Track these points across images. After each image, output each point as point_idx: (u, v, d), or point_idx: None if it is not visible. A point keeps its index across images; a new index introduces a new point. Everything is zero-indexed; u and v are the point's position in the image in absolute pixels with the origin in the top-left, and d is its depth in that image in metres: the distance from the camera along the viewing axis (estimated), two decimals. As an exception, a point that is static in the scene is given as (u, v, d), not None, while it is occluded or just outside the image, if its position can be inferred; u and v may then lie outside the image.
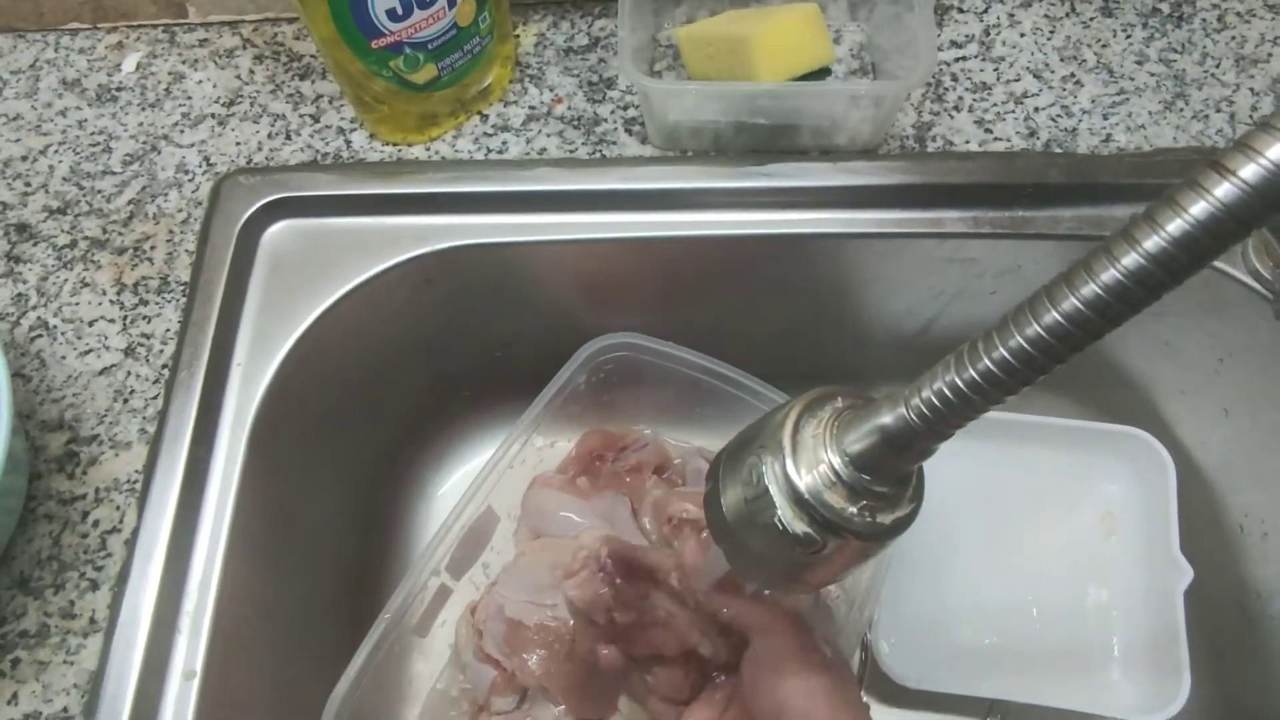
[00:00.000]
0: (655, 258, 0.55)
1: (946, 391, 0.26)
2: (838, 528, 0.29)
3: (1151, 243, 0.21)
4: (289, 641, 0.52)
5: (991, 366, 0.24)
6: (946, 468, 0.63)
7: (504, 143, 0.56)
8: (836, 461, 0.29)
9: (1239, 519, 0.56)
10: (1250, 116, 0.54)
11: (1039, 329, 0.23)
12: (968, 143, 0.54)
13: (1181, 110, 0.55)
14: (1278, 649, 0.54)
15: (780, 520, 0.29)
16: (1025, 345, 0.24)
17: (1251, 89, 0.56)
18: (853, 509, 0.29)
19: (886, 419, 0.28)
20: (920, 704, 0.59)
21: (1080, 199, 0.52)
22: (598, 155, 0.55)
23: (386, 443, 0.63)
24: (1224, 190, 0.20)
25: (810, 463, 0.29)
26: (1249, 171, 0.20)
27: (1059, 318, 0.23)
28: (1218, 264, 0.51)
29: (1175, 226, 0.21)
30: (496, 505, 0.57)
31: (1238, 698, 0.56)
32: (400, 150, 0.56)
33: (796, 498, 0.29)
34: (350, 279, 0.52)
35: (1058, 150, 0.54)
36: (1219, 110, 0.55)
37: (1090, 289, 0.22)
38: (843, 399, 0.31)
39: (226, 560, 0.46)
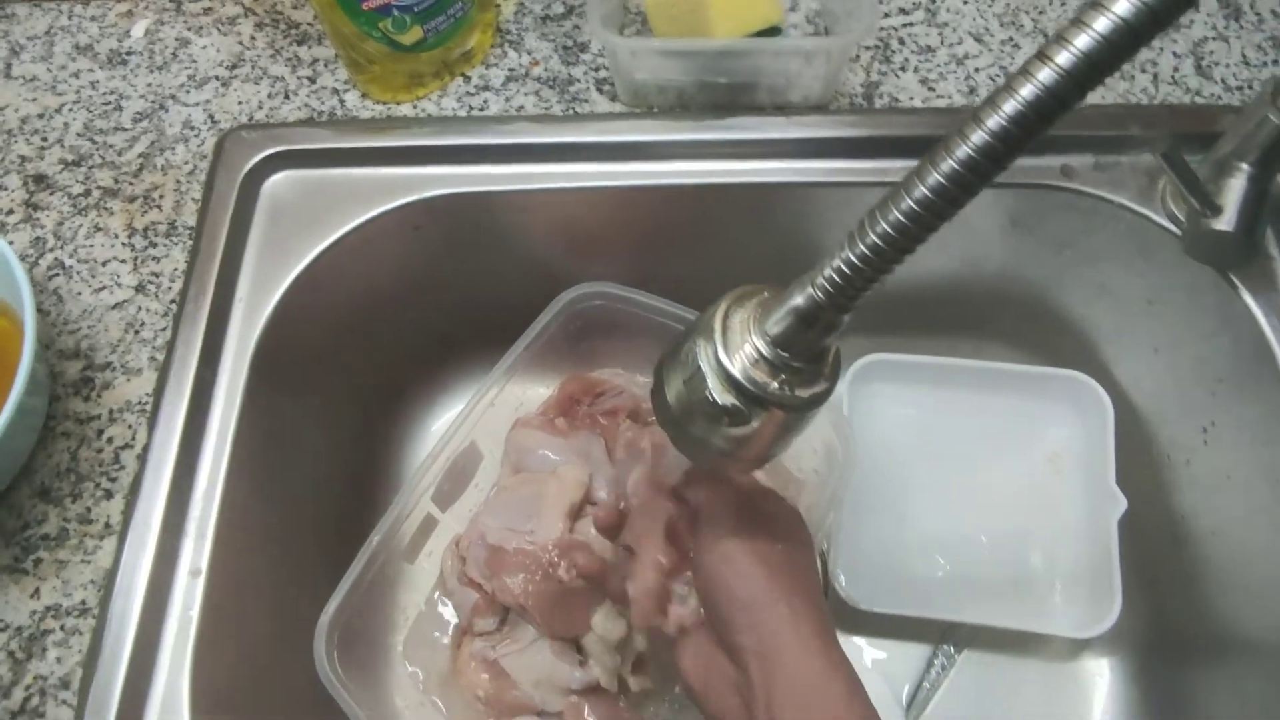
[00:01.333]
0: (626, 207, 0.60)
1: (842, 266, 0.30)
2: (761, 400, 0.33)
3: (994, 121, 0.25)
4: (286, 553, 0.56)
5: (877, 239, 0.29)
6: (903, 410, 0.69)
7: (485, 101, 0.60)
8: (759, 342, 0.33)
9: (1167, 450, 0.61)
10: (1172, 77, 0.59)
11: (910, 202, 0.28)
12: (912, 99, 0.59)
13: (1112, 71, 0.59)
14: (1202, 569, 0.58)
15: (711, 394, 0.34)
16: (901, 217, 0.28)
17: (1174, 52, 0.60)
18: (774, 383, 0.33)
19: (798, 300, 0.32)
20: (880, 631, 0.64)
21: (1015, 149, 0.56)
22: (571, 112, 0.59)
23: (381, 381, 0.68)
24: (1046, 74, 0.24)
25: (736, 344, 0.34)
26: (1064, 58, 0.24)
27: (925, 191, 0.27)
28: (1141, 209, 0.56)
29: (1010, 106, 0.25)
30: (481, 444, 0.62)
31: (1170, 615, 0.60)
32: (390, 108, 0.60)
33: (725, 374, 0.33)
34: (345, 224, 0.57)
35: (995, 106, 0.58)
36: (1144, 71, 0.59)
37: (947, 164, 0.26)
38: (767, 293, 0.35)
39: (229, 474, 0.51)
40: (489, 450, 0.63)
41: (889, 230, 0.28)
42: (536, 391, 0.66)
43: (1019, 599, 0.63)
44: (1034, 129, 0.25)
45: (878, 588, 0.62)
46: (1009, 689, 0.63)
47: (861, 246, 0.29)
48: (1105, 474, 0.62)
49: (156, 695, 0.46)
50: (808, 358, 0.33)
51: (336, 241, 0.57)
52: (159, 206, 0.57)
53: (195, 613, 0.47)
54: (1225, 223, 0.47)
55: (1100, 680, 0.62)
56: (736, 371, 0.33)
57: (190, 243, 0.56)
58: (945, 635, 0.64)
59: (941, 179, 0.27)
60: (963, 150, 0.26)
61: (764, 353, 0.33)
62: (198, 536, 0.49)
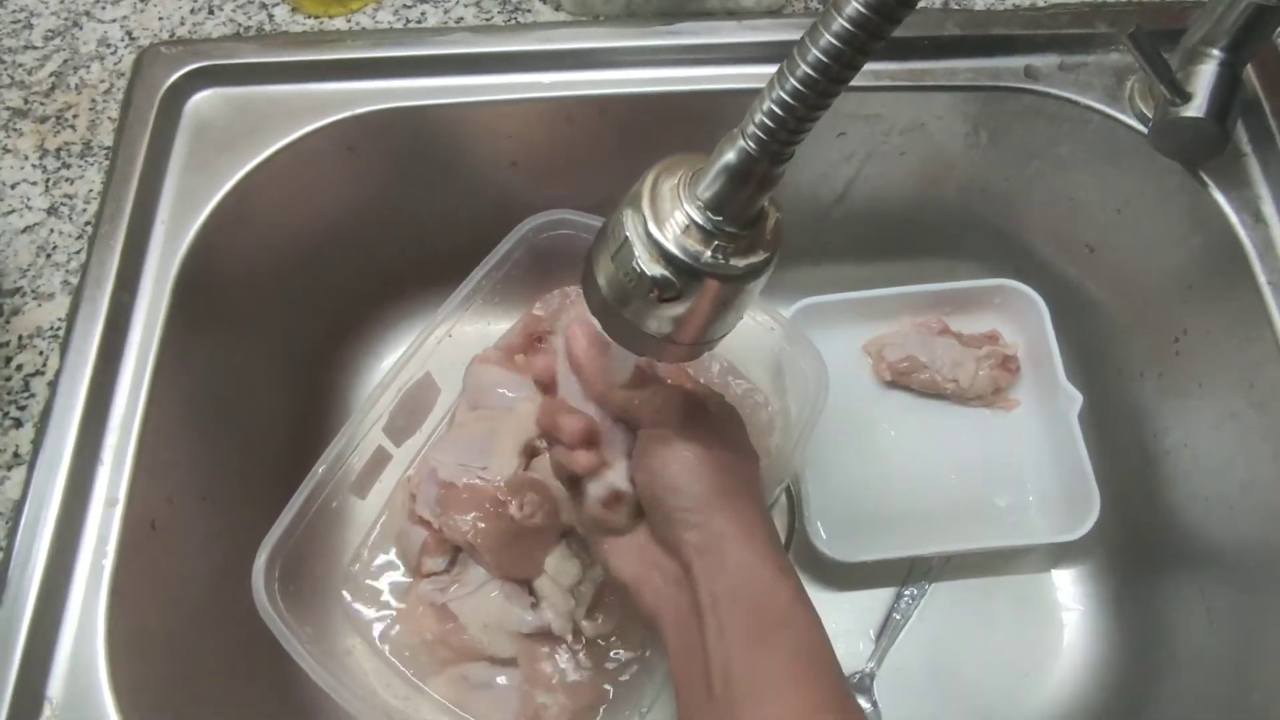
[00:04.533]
0: (575, 120, 0.57)
1: (773, 108, 0.27)
2: (694, 270, 0.31)
3: None
4: (224, 491, 0.53)
5: (808, 69, 0.26)
6: (845, 352, 0.67)
7: (423, 14, 0.57)
8: (690, 208, 0.31)
9: (1139, 366, 0.59)
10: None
11: (842, 22, 0.25)
12: (870, 2, 0.56)
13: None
14: (1172, 483, 0.57)
15: (639, 265, 0.31)
16: (833, 40, 0.25)
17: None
18: (707, 252, 0.31)
19: (729, 155, 0.29)
20: (853, 574, 0.61)
21: (975, 51, 0.54)
22: (513, 23, 0.56)
23: (327, 319, 0.64)
24: None
25: (666, 212, 0.31)
26: None
27: (859, 6, 0.24)
28: (1108, 109, 0.53)
29: None
30: (438, 379, 0.59)
31: (1141, 533, 0.59)
32: (322, 23, 0.57)
33: (654, 244, 0.31)
34: (273, 143, 0.54)
35: (955, 8, 0.56)
36: (1111, -32, 0.57)
37: None
38: (698, 162, 0.32)
39: (151, 402, 0.48)
40: (447, 386, 0.61)
41: (820, 57, 0.26)
42: (497, 328, 0.63)
43: (998, 519, 0.62)
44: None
45: (856, 537, 0.60)
46: (980, 619, 0.61)
47: (792, 81, 0.27)
48: (1055, 374, 0.61)
49: (68, 633, 0.43)
50: (743, 222, 0.31)
51: (265, 162, 0.54)
52: (72, 127, 0.54)
53: (111, 546, 0.44)
54: (1195, 109, 0.45)
55: (1071, 604, 0.61)
56: (667, 240, 0.31)
57: (107, 164, 0.52)
58: (914, 569, 0.62)
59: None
60: None
61: (696, 219, 0.31)
62: (114, 465, 0.46)
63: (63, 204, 0.51)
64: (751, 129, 0.28)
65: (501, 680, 0.55)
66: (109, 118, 0.54)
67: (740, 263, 0.31)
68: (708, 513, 0.36)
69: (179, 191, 0.52)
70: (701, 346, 0.35)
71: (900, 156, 0.59)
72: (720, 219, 0.30)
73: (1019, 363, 0.65)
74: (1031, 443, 0.63)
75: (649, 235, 0.31)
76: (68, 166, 0.52)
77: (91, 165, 0.52)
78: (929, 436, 0.65)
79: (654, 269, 0.31)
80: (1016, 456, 0.64)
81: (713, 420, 0.40)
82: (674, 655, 0.37)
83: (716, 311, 0.33)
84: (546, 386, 0.46)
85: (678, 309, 0.32)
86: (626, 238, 0.31)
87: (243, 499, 0.56)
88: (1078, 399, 0.59)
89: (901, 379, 0.66)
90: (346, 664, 0.55)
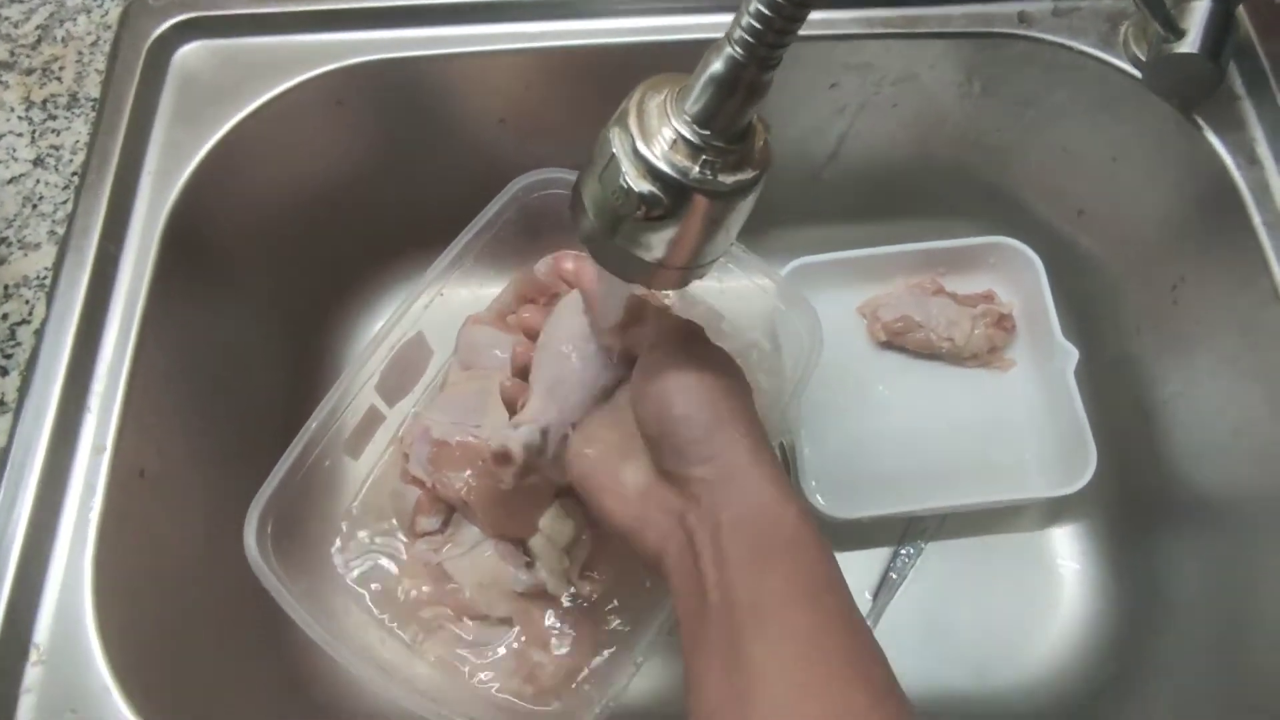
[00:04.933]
0: (568, 73, 0.56)
1: (760, 8, 0.27)
2: (683, 187, 0.30)
3: None
4: (214, 445, 0.53)
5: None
6: (839, 312, 0.66)
7: (413, -34, 0.57)
8: (677, 123, 0.30)
9: (1135, 320, 0.59)
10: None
11: None
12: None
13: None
14: (1168, 435, 0.56)
15: (626, 181, 0.31)
16: None
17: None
18: (695, 167, 0.30)
19: (716, 64, 0.29)
20: (849, 535, 0.61)
21: (969, -7, 0.54)
22: (505, -28, 0.56)
23: (317, 279, 0.64)
24: None
25: (654, 129, 0.31)
26: None
27: None
28: (1103, 54, 0.53)
29: None
30: (431, 339, 0.59)
31: (1138, 489, 0.59)
32: (310, -25, 0.56)
33: (642, 160, 0.30)
34: (261, 94, 0.53)
35: (948, -47, 0.55)
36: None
37: None
38: (685, 80, 0.32)
39: (139, 351, 0.47)
40: (439, 347, 0.60)
41: None
42: (489, 291, 0.63)
43: (995, 476, 0.61)
44: None
45: (851, 495, 0.60)
46: (977, 577, 0.61)
47: None
48: (1051, 330, 0.61)
49: (54, 580, 0.42)
50: (731, 135, 0.30)
51: (252, 115, 0.53)
52: (59, 79, 0.53)
53: (99, 493, 0.44)
54: (1189, 44, 0.45)
55: (1068, 560, 0.61)
56: (654, 156, 0.30)
57: (93, 116, 0.52)
58: (909, 528, 0.62)
59: None
60: None
61: (683, 133, 0.30)
62: (101, 413, 0.45)
63: (49, 155, 0.51)
64: (738, 33, 0.28)
65: (496, 639, 0.54)
66: (96, 70, 0.53)
67: (729, 179, 0.31)
68: (715, 442, 0.35)
69: (166, 143, 0.52)
70: (693, 271, 0.34)
71: (893, 109, 0.58)
72: (708, 133, 0.30)
73: (1014, 321, 0.65)
74: (1028, 401, 0.63)
75: (636, 152, 0.30)
76: (54, 118, 0.52)
77: (78, 117, 0.52)
78: (924, 396, 0.65)
79: (641, 185, 0.30)
80: (1012, 415, 0.63)
81: (712, 351, 0.39)
82: (678, 593, 0.36)
83: (706, 231, 0.32)
84: (531, 334, 0.46)
85: (667, 230, 0.32)
86: (613, 155, 0.31)
87: (235, 454, 0.55)
88: (1074, 354, 0.59)
89: (896, 339, 0.65)
90: (341, 621, 0.54)
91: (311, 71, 0.54)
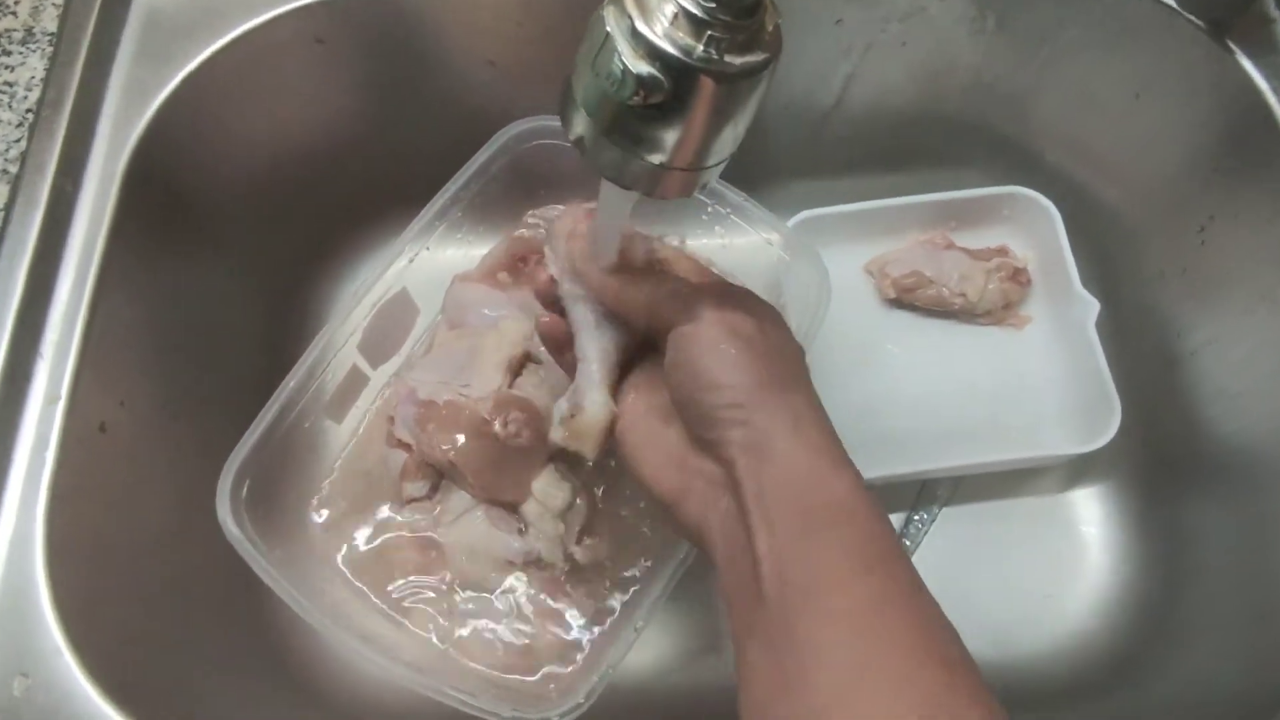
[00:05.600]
0: (560, 8, 0.53)
1: None
2: (684, 65, 0.27)
3: None
4: (185, 400, 0.50)
5: None
6: (847, 266, 0.63)
7: (392, -105, 0.53)
8: None
9: (1160, 266, 0.56)
10: None
11: None
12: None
13: None
14: (1196, 385, 0.53)
15: (622, 62, 0.27)
16: None
17: None
18: (699, 45, 0.27)
19: None
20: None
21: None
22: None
23: (298, 235, 0.60)
24: None
25: (653, 4, 0.27)
26: None
27: None
28: (1125, -17, 0.50)
29: None
30: (416, 297, 0.56)
31: (1165, 440, 0.56)
32: (284, -94, 0.53)
33: (639, 38, 0.27)
34: (232, 29, 0.50)
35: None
36: None
37: None
38: None
39: (97, 299, 0.44)
40: (426, 309, 0.58)
41: None
42: (477, 251, 0.59)
43: (1012, 436, 0.58)
44: None
45: (862, 457, 0.55)
46: (996, 543, 0.57)
47: None
48: (1069, 281, 0.58)
49: (3, 535, 0.39)
50: (740, 9, 0.27)
51: (222, 52, 0.50)
52: (14, 13, 0.50)
53: (53, 445, 0.40)
54: (1222, -42, 0.42)
55: (1091, 522, 0.58)
56: (654, 34, 0.27)
57: (50, 50, 0.48)
58: (923, 493, 0.59)
59: None
60: None
61: (686, 5, 0.27)
62: (55, 360, 0.42)
63: (2, 91, 0.47)
64: None
65: (487, 610, 0.51)
66: (53, 3, 0.50)
67: (736, 60, 0.28)
68: (752, 407, 0.32)
69: (128, 80, 0.48)
70: (698, 175, 0.31)
71: (901, 48, 0.55)
72: (714, 5, 0.27)
73: (1030, 275, 0.62)
74: (1046, 357, 0.60)
75: (634, 30, 0.27)
76: (8, 54, 0.48)
77: (34, 52, 0.49)
78: (937, 356, 0.61)
79: (639, 67, 0.27)
80: (1029, 373, 0.60)
81: (746, 298, 0.36)
82: (722, 565, 0.33)
83: (712, 122, 0.29)
84: (548, 302, 0.42)
85: (669, 121, 0.29)
86: (608, 34, 0.28)
87: (207, 412, 0.52)
88: (1094, 305, 0.56)
89: (906, 296, 0.62)
90: (321, 590, 0.51)
91: (288, 5, 0.50)
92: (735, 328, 0.34)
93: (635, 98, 0.28)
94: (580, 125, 0.30)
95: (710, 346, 0.33)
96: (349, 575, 0.51)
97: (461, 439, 0.51)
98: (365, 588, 0.51)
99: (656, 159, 0.30)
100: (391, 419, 0.54)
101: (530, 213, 0.59)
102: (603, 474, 0.53)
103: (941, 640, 0.29)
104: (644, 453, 0.36)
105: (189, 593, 0.48)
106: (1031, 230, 0.62)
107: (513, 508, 0.51)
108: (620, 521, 0.53)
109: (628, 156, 0.30)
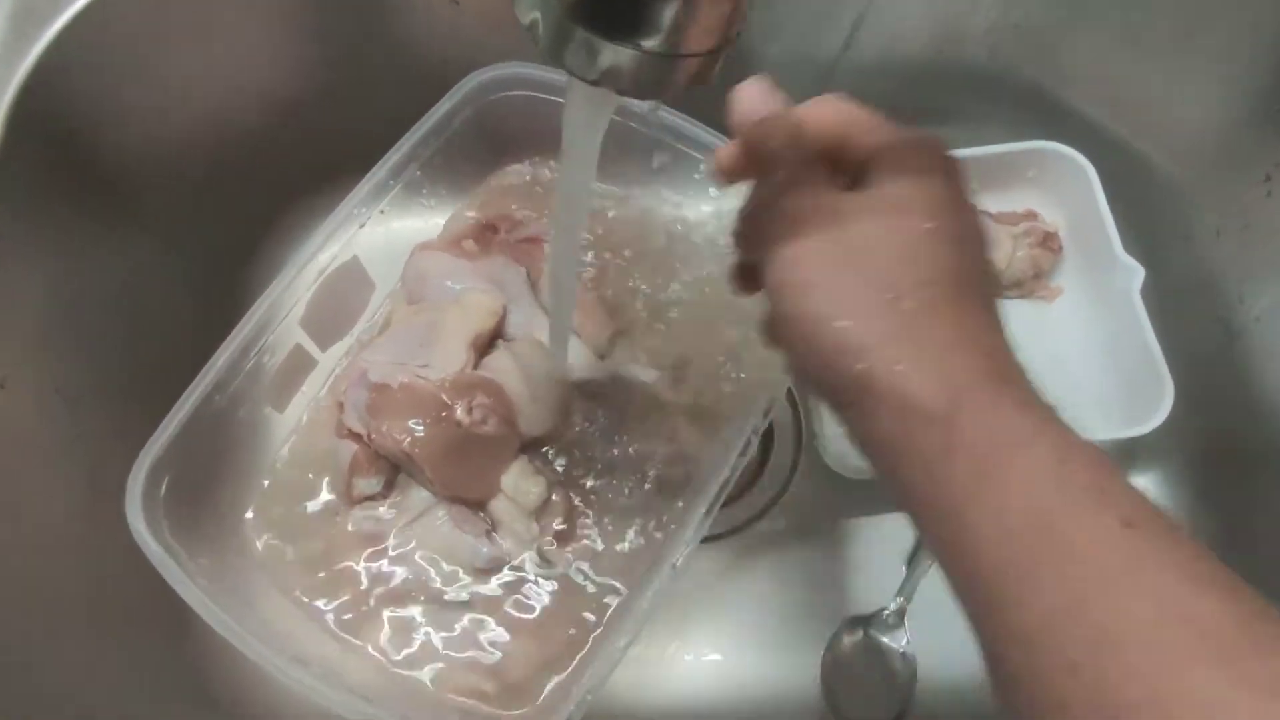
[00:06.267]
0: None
1: None
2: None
3: None
4: (94, 387, 0.45)
5: None
6: None
7: None
8: None
9: (1216, 225, 0.50)
10: None
11: None
12: None
13: None
14: (1258, 355, 0.48)
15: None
16: None
17: None
18: None
19: None
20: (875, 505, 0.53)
21: None
22: None
23: (238, 201, 0.55)
24: None
25: None
26: None
27: None
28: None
29: None
30: (371, 270, 0.51)
31: (1224, 422, 0.51)
32: None
33: None
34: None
35: None
36: None
37: None
38: None
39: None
40: (382, 281, 0.52)
41: None
42: (440, 218, 0.54)
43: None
44: None
45: None
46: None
47: None
48: (1109, 245, 0.52)
49: None
50: None
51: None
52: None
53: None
54: None
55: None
56: None
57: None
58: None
59: None
60: None
61: None
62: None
63: None
64: None
65: (450, 625, 0.45)
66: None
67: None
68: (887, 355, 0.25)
69: (15, 6, 0.42)
70: (697, 61, 0.24)
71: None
72: None
73: (1060, 241, 0.56)
74: (1083, 333, 0.54)
75: None
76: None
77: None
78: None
79: None
80: (1065, 351, 0.54)
81: (895, 183, 0.27)
82: (907, 423, 0.25)
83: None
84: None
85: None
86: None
87: (123, 402, 0.46)
88: (1139, 271, 0.51)
89: (924, 267, 0.57)
90: (254, 604, 0.44)
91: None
92: (848, 237, 0.27)
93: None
94: (549, 18, 0.24)
95: (809, 280, 0.26)
96: (288, 587, 0.45)
97: (419, 427, 0.45)
98: (306, 599, 0.45)
99: (655, 49, 0.23)
100: (341, 405, 0.48)
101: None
102: (584, 468, 0.48)
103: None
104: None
105: (101, 602, 0.43)
106: (1062, 191, 0.56)
107: (479, 506, 0.47)
108: (601, 517, 0.48)
109: (598, 41, 0.23)
